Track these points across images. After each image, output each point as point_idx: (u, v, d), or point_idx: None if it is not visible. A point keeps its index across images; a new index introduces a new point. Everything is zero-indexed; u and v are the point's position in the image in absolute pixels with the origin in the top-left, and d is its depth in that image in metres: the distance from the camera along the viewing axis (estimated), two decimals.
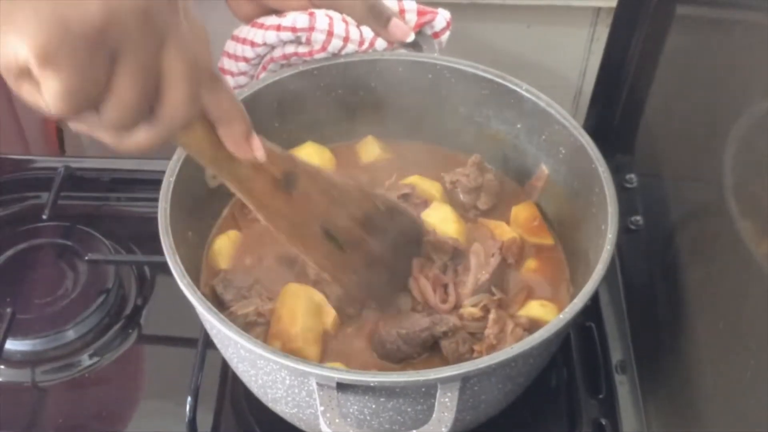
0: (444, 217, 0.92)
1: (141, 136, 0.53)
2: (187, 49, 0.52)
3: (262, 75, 0.98)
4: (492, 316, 0.82)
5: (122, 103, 0.50)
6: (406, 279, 0.87)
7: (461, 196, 0.97)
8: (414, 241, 0.88)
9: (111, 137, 0.53)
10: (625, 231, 1.00)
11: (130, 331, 1.00)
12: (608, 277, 0.77)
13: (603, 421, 0.91)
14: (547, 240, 0.95)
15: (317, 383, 0.69)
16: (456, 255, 0.89)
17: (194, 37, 0.53)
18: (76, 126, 0.53)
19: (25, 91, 0.50)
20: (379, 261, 0.84)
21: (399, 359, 0.83)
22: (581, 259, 0.89)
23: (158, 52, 0.50)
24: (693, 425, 0.78)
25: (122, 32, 0.48)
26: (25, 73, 0.48)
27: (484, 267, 0.87)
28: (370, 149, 1.02)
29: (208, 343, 0.90)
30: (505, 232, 0.92)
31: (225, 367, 0.94)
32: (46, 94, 0.48)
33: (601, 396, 0.93)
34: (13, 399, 0.93)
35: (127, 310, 1.01)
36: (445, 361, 0.82)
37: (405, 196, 0.93)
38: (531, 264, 0.92)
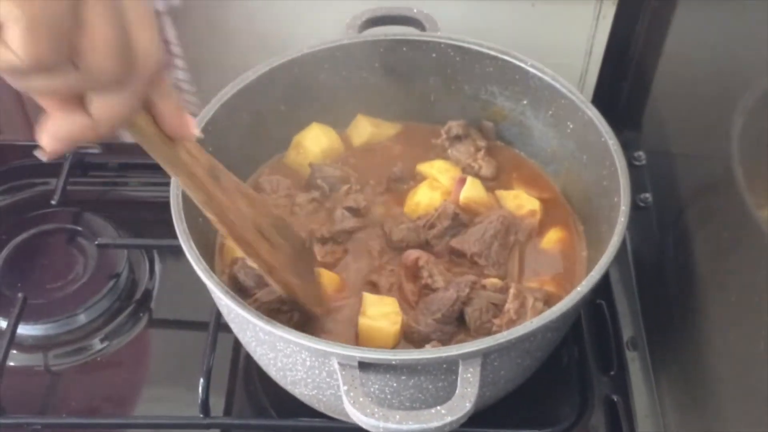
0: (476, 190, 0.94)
1: (116, 101, 0.50)
2: None
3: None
4: (512, 291, 0.82)
5: (99, 44, 0.47)
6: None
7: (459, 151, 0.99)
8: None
9: (89, 107, 0.50)
10: (634, 208, 0.99)
11: (141, 314, 1.00)
12: (618, 254, 0.77)
13: (615, 398, 0.91)
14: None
15: (339, 363, 0.69)
16: (456, 224, 0.90)
17: None
18: (48, 96, 0.49)
19: None
20: (295, 259, 0.82)
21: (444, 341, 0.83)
22: (594, 233, 0.89)
23: None
24: (705, 399, 0.78)
25: None
26: None
27: (479, 239, 0.88)
28: (361, 130, 1.03)
29: (220, 326, 0.90)
30: (523, 204, 0.93)
31: (237, 349, 0.95)
32: (12, 37, 0.43)
33: (612, 373, 0.94)
34: (26, 383, 0.93)
35: (138, 294, 1.02)
36: (467, 335, 0.82)
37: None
38: (553, 236, 0.92)
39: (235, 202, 0.73)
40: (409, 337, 0.83)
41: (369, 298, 0.85)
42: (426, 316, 0.82)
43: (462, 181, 0.94)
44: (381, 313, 0.83)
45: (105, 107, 0.50)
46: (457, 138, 0.99)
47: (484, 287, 0.84)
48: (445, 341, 0.82)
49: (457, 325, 0.83)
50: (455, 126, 0.99)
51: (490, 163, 0.98)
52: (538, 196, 0.96)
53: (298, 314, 0.83)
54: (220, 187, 0.70)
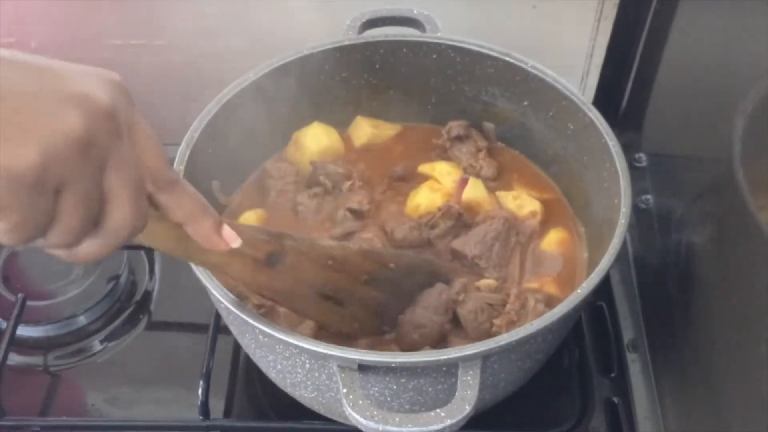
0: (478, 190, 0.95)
1: (90, 249, 0.53)
2: (129, 168, 0.52)
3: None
4: (513, 291, 0.82)
5: (66, 229, 0.50)
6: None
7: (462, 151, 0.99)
8: (431, 281, 0.85)
9: (60, 253, 0.53)
10: (634, 210, 0.99)
11: (141, 316, 1.00)
12: (619, 256, 0.77)
13: (615, 400, 0.91)
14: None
15: (338, 366, 0.69)
16: (459, 224, 0.90)
17: (144, 150, 0.54)
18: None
19: None
20: (387, 307, 0.83)
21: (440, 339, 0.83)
22: (594, 235, 0.89)
23: (100, 176, 0.51)
24: (706, 401, 0.78)
25: (62, 168, 0.48)
26: None
27: (480, 241, 0.88)
28: (361, 131, 1.03)
29: (219, 328, 0.90)
30: (523, 205, 0.93)
31: (236, 351, 0.94)
32: None
33: (613, 375, 0.94)
34: (25, 384, 0.93)
35: (138, 296, 1.02)
36: (464, 338, 0.82)
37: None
38: (553, 237, 0.92)
39: (294, 276, 0.73)
40: (403, 343, 0.82)
41: None
42: (426, 311, 0.82)
43: (464, 182, 0.94)
44: None
45: (78, 254, 0.53)
46: (458, 138, 0.99)
47: (478, 289, 0.84)
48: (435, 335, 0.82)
49: (453, 324, 0.83)
50: (456, 126, 0.99)
51: (491, 163, 0.98)
52: (538, 197, 0.96)
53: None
54: (270, 271, 0.71)
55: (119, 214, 0.52)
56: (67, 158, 0.48)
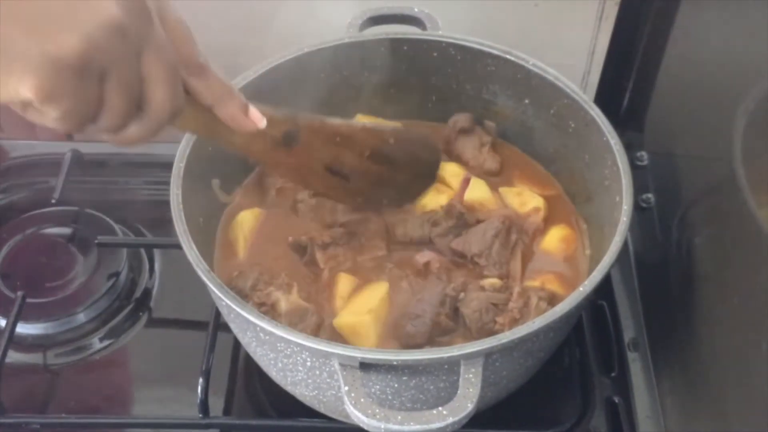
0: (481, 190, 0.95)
1: (134, 132, 0.59)
2: (164, 52, 0.57)
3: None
4: (516, 289, 0.82)
5: (113, 112, 0.56)
6: (416, 191, 0.94)
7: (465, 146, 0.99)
8: (428, 159, 0.95)
9: (107, 137, 0.59)
10: (635, 209, 0.99)
11: (141, 314, 1.00)
12: (620, 255, 0.77)
13: (616, 399, 0.91)
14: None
15: (340, 363, 0.69)
16: (461, 223, 0.90)
17: (174, 35, 0.59)
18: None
19: (30, 116, 0.56)
20: (387, 181, 0.90)
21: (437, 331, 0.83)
22: (596, 233, 0.89)
23: (138, 60, 0.56)
24: (707, 400, 0.78)
25: (103, 53, 0.53)
26: (28, 104, 0.54)
27: (479, 239, 0.88)
28: None
29: (219, 326, 0.90)
30: (526, 201, 0.93)
31: (236, 349, 0.94)
32: (49, 119, 0.55)
33: (613, 374, 0.94)
34: (25, 381, 0.93)
35: (138, 294, 1.02)
36: (466, 337, 0.82)
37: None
38: (556, 234, 0.92)
39: (308, 153, 0.81)
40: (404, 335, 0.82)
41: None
42: (422, 302, 0.82)
43: (467, 181, 0.94)
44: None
45: (124, 136, 0.60)
46: (463, 131, 0.99)
47: (482, 288, 0.84)
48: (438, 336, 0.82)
49: (455, 322, 0.83)
50: (462, 119, 0.99)
51: (495, 158, 0.98)
52: (540, 193, 0.95)
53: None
54: (286, 149, 0.78)
55: (159, 96, 0.57)
56: (106, 44, 0.52)
